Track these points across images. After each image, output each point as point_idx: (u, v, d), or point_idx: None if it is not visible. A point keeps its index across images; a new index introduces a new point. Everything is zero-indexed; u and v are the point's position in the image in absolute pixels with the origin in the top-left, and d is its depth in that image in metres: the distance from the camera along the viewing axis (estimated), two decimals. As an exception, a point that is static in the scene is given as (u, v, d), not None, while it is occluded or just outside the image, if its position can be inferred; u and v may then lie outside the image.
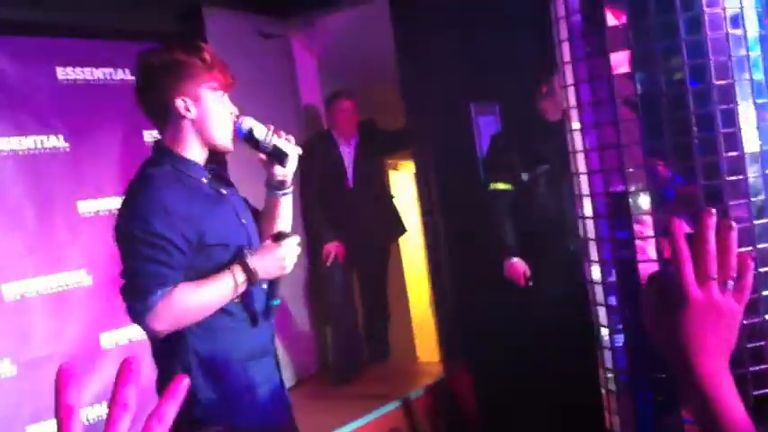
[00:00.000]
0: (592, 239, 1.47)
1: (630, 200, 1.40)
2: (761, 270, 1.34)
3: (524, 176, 3.88)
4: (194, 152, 2.10)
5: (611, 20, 1.37)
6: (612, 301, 1.48)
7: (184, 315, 1.97)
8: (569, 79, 1.40)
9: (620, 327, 1.49)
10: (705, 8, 1.34)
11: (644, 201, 1.40)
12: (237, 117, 2.14)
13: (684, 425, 1.38)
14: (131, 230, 1.98)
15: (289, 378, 4.40)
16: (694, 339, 0.94)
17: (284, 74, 4.90)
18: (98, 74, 3.98)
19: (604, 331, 1.52)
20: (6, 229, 3.56)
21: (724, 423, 0.91)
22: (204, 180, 2.11)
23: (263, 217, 2.29)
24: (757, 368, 1.34)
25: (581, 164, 1.44)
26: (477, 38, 4.31)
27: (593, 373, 1.59)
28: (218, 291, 1.99)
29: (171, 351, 2.03)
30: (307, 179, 4.64)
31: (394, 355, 5.04)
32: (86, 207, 3.87)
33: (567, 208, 3.69)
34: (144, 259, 1.94)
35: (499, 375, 4.13)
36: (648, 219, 1.39)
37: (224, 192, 2.15)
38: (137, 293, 1.94)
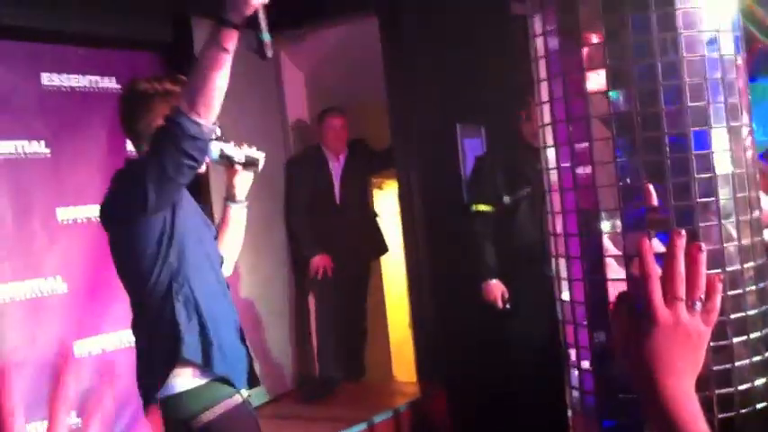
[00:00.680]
0: (562, 257, 1.46)
1: (602, 218, 1.40)
2: (729, 293, 1.33)
3: (506, 199, 3.89)
4: None
5: (589, 38, 1.37)
6: (581, 319, 1.47)
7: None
8: (544, 96, 1.40)
9: (588, 346, 1.48)
10: (682, 29, 1.35)
11: (615, 220, 1.40)
12: None
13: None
14: None
15: (263, 394, 4.36)
16: (660, 360, 0.94)
17: (271, 87, 4.90)
18: (84, 81, 3.97)
19: (571, 351, 1.51)
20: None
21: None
22: None
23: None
24: (723, 391, 1.33)
25: (553, 180, 1.44)
26: (464, 58, 4.33)
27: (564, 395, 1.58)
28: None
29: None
30: (295, 192, 4.67)
31: (370, 374, 5.01)
32: (65, 214, 3.85)
33: (546, 231, 3.70)
34: None
35: (475, 396, 4.11)
36: (619, 238, 1.39)
37: None
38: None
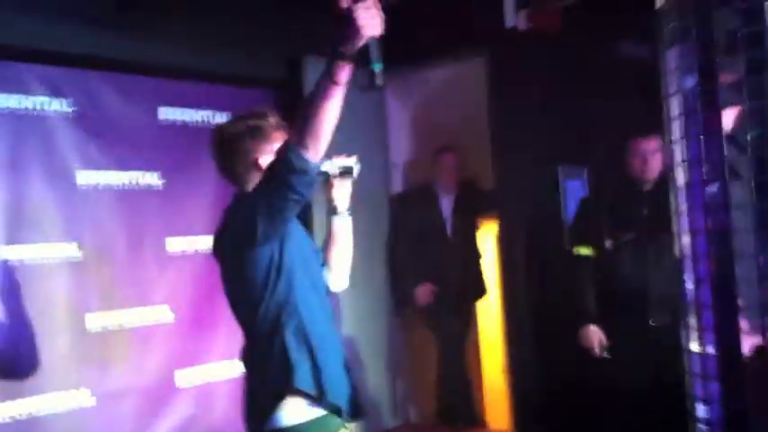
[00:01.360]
0: (692, 304, 1.40)
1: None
2: None
3: (608, 244, 3.78)
4: None
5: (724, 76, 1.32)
6: (711, 371, 1.39)
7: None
8: (677, 134, 1.35)
9: (717, 399, 1.40)
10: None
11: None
12: None
13: None
14: None
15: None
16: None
17: (377, 124, 4.94)
18: (197, 116, 4.10)
19: (700, 405, 1.43)
20: (96, 261, 3.66)
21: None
22: None
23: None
24: None
25: (684, 223, 1.38)
26: (568, 98, 4.27)
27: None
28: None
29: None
30: (403, 228, 4.70)
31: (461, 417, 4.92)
32: (175, 245, 3.96)
33: (652, 279, 3.57)
34: None
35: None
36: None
37: None
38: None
